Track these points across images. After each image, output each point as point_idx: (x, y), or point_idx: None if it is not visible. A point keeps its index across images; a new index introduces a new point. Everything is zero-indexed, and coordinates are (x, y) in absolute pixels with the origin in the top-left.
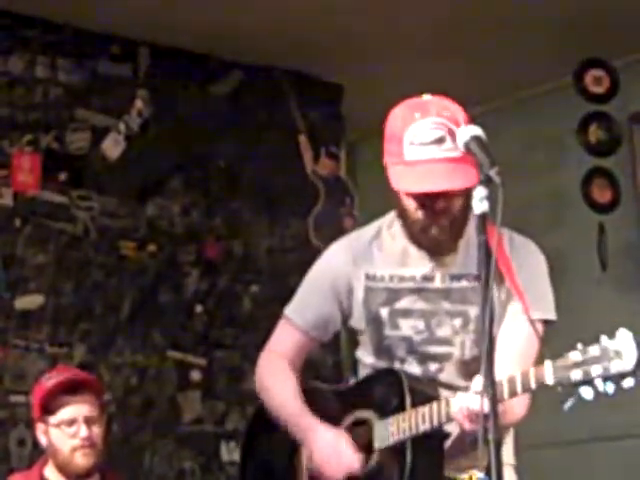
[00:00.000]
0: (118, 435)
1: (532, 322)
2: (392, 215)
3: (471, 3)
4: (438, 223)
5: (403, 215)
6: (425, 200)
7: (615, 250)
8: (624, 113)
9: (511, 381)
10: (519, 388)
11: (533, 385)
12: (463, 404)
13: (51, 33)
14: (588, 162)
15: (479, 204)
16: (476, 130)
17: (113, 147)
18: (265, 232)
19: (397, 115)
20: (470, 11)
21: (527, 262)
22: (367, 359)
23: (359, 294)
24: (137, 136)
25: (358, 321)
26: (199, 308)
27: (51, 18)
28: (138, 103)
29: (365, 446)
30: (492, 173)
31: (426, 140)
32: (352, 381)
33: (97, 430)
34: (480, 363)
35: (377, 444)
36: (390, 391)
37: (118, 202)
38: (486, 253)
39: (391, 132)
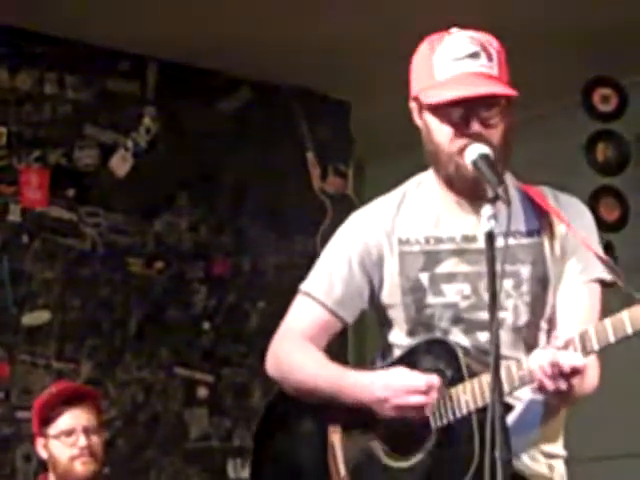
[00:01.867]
0: (124, 451)
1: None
2: (418, 177)
3: (477, 21)
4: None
5: (436, 155)
6: (459, 121)
7: (623, 268)
8: (632, 131)
9: (600, 330)
10: (611, 336)
11: (629, 330)
12: (545, 360)
13: (60, 50)
14: (596, 181)
15: (486, 223)
16: (484, 149)
17: (121, 164)
18: (273, 249)
19: (423, 45)
20: (476, 29)
21: (577, 219)
22: (402, 340)
23: (393, 263)
24: (145, 153)
25: (391, 294)
26: (206, 325)
27: (60, 35)
28: (146, 120)
29: (420, 428)
30: (500, 191)
31: (459, 55)
32: (388, 361)
33: (96, 440)
34: (537, 330)
35: (435, 423)
36: (441, 363)
37: (126, 218)
38: (492, 265)
39: (418, 63)
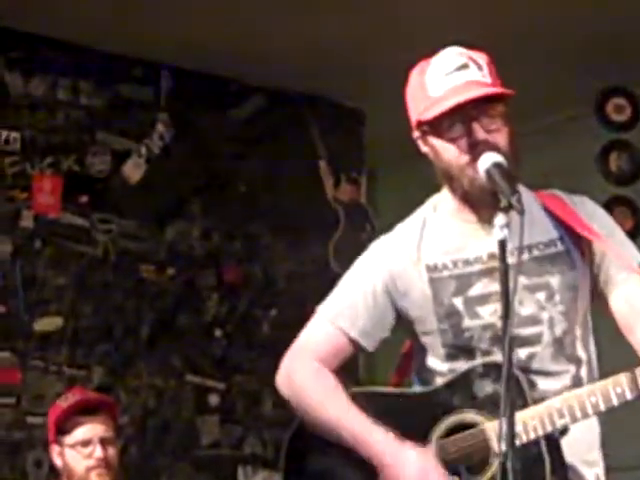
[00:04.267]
0: (135, 458)
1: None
2: (431, 200)
3: (490, 31)
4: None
5: (448, 172)
6: (463, 134)
7: None
8: None
9: None
10: None
11: None
12: None
13: (73, 56)
14: (609, 191)
15: (499, 232)
16: (497, 157)
17: (134, 170)
18: (285, 257)
19: (413, 72)
20: (489, 39)
21: (596, 216)
22: (440, 366)
23: (425, 290)
24: (158, 159)
25: (424, 322)
26: (218, 332)
27: (73, 41)
28: (159, 126)
29: (481, 449)
30: (513, 201)
31: (449, 69)
32: (437, 383)
33: (112, 451)
34: (574, 338)
35: (499, 447)
36: (501, 387)
37: (138, 225)
38: (505, 274)
39: (411, 88)
